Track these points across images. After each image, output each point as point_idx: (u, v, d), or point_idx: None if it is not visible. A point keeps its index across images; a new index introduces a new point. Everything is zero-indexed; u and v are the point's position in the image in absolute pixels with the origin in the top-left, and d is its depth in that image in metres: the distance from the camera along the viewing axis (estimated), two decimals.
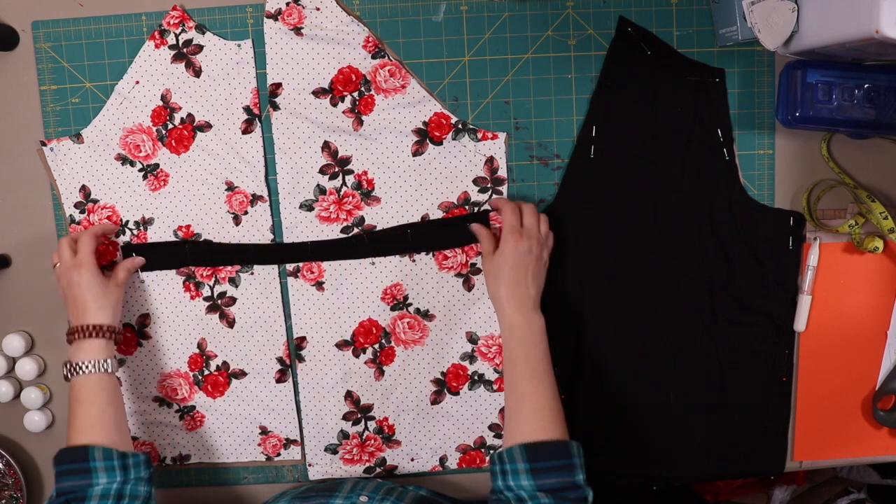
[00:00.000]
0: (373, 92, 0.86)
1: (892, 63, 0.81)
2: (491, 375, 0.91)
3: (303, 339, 0.90)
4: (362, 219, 0.88)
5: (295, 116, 0.87)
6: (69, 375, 0.80)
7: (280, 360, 0.91)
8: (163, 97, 0.87)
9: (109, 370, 0.80)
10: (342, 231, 0.88)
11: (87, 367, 0.79)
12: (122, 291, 0.86)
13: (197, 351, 0.91)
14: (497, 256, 0.81)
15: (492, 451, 0.76)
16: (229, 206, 0.88)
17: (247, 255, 0.88)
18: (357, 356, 0.90)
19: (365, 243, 0.88)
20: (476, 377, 0.91)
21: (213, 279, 0.89)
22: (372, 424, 0.92)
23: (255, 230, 0.88)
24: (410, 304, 0.90)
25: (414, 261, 0.88)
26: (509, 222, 0.81)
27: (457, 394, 0.91)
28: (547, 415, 0.76)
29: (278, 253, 0.88)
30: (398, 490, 0.83)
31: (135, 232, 0.89)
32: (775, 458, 0.92)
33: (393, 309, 0.90)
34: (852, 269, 0.90)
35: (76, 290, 0.82)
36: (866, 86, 0.82)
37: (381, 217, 0.88)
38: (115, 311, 0.83)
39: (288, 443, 0.93)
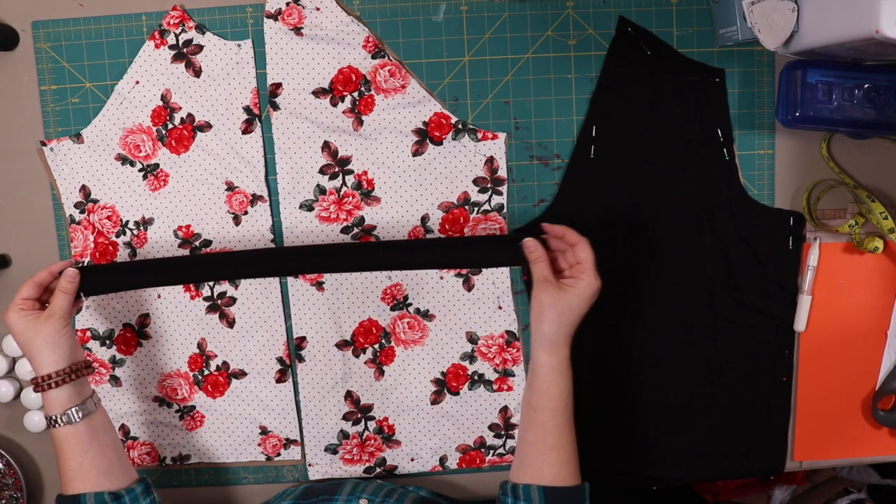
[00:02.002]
0: (373, 92, 0.86)
1: (892, 63, 0.81)
2: (491, 375, 0.91)
3: (303, 339, 0.90)
4: (362, 219, 0.88)
5: (295, 116, 0.87)
6: (46, 426, 0.76)
7: (280, 360, 0.91)
8: (163, 97, 0.87)
9: (74, 420, 0.74)
10: (342, 231, 0.88)
11: (52, 421, 0.75)
12: (63, 320, 0.76)
13: (197, 351, 0.91)
14: (570, 295, 0.74)
15: (504, 482, 0.76)
16: (229, 206, 0.88)
17: (228, 270, 0.83)
18: (357, 356, 0.90)
19: (380, 256, 0.82)
20: (476, 377, 0.91)
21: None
22: (372, 424, 0.92)
23: (255, 230, 0.88)
24: (410, 304, 0.90)
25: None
26: (593, 261, 0.75)
27: (457, 394, 0.91)
28: (570, 463, 0.75)
29: (261, 266, 0.83)
30: (398, 492, 0.83)
31: (135, 232, 0.89)
32: (775, 458, 0.92)
33: (393, 309, 0.90)
34: (852, 269, 0.90)
35: (14, 339, 0.77)
36: (866, 86, 0.82)
37: (381, 217, 0.88)
38: (59, 349, 0.75)
39: (288, 443, 0.93)
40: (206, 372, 0.91)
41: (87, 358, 0.80)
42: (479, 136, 0.87)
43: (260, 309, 0.90)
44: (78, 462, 0.75)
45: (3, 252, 0.91)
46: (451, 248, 0.82)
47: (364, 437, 0.92)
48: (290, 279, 0.89)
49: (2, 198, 0.90)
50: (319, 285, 0.89)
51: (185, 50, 0.86)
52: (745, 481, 1.33)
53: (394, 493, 0.82)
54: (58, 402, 0.75)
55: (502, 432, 0.92)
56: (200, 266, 0.83)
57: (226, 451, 0.93)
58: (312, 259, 0.82)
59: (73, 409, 0.75)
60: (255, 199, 0.88)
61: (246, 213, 0.88)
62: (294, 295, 0.89)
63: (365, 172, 0.88)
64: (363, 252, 0.82)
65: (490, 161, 0.88)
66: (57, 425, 0.75)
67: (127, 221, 0.89)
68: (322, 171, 0.88)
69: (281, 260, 0.83)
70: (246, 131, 0.87)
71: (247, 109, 0.87)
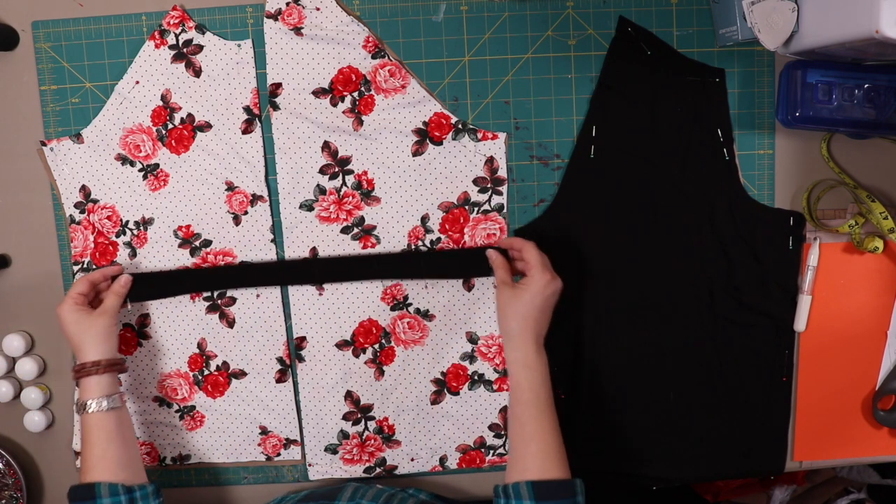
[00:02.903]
0: (373, 92, 0.86)
1: (892, 63, 0.81)
2: (491, 375, 0.91)
3: (303, 339, 0.90)
4: (362, 219, 0.88)
5: (295, 116, 0.87)
6: (78, 412, 0.82)
7: (280, 360, 0.91)
8: (163, 97, 0.87)
9: (107, 408, 0.79)
10: (342, 231, 0.88)
11: (88, 406, 0.80)
12: (113, 318, 0.83)
13: (197, 351, 0.91)
14: (523, 292, 0.78)
15: (496, 485, 0.77)
16: (229, 206, 0.88)
17: (251, 279, 0.88)
18: (357, 356, 0.90)
19: (375, 269, 0.88)
20: (476, 377, 0.91)
21: None
22: (372, 424, 0.92)
23: (255, 230, 0.88)
24: (410, 304, 0.90)
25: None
26: (539, 259, 0.79)
27: (457, 394, 0.91)
28: (553, 455, 0.76)
29: (283, 274, 0.88)
30: (399, 497, 0.83)
31: (135, 232, 0.89)
32: (775, 458, 0.92)
33: (393, 309, 0.90)
34: (852, 269, 0.90)
35: (64, 329, 0.82)
36: (866, 86, 0.82)
37: (381, 217, 0.88)
38: (107, 342, 0.82)
39: (288, 443, 0.93)
40: (206, 372, 0.91)
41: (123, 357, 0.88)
42: (479, 136, 0.87)
43: (260, 309, 0.90)
44: (103, 449, 0.79)
45: (3, 252, 0.91)
46: (433, 261, 0.88)
47: (364, 437, 0.92)
48: None
49: (2, 198, 0.90)
50: (319, 286, 0.89)
51: (185, 50, 0.86)
52: (745, 481, 1.33)
53: (394, 499, 0.82)
54: (96, 388, 0.80)
55: (502, 432, 0.92)
56: (225, 275, 0.88)
57: (226, 451, 0.93)
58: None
59: (107, 398, 0.80)
60: (255, 199, 0.88)
61: (246, 213, 0.88)
62: (294, 295, 0.89)
63: (365, 172, 0.88)
64: (360, 264, 0.88)
65: (490, 161, 0.88)
66: (88, 410, 0.79)
67: (127, 221, 0.89)
68: (322, 171, 0.88)
69: (308, 270, 0.88)
70: (246, 131, 0.87)
71: (247, 109, 0.87)
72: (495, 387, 0.91)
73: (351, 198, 0.88)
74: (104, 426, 0.79)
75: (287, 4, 0.85)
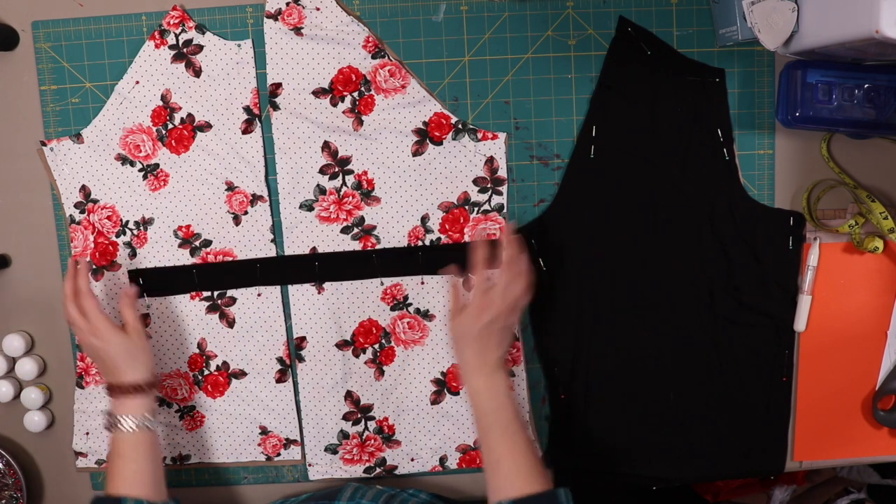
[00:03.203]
0: (373, 92, 0.86)
1: (892, 63, 0.81)
2: None
3: (303, 339, 0.90)
4: (362, 219, 0.88)
5: (295, 116, 0.87)
6: (110, 428, 0.80)
7: (280, 360, 0.91)
8: (163, 97, 0.87)
9: (149, 427, 0.80)
10: (342, 231, 0.88)
11: (126, 424, 0.79)
12: (143, 331, 0.84)
13: (197, 351, 0.91)
14: (460, 323, 0.79)
15: None
16: (229, 206, 0.88)
17: (254, 277, 0.89)
18: (357, 356, 0.90)
19: (375, 263, 0.88)
20: None
21: None
22: (372, 424, 0.92)
23: (255, 230, 0.88)
24: (410, 304, 0.90)
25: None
26: (478, 287, 0.79)
27: (457, 394, 0.91)
28: (525, 472, 0.75)
29: (285, 272, 0.89)
30: (399, 498, 0.83)
31: (135, 232, 0.89)
32: (775, 458, 0.92)
33: (393, 309, 0.90)
34: (852, 269, 0.90)
35: (102, 354, 0.81)
36: (866, 86, 0.82)
37: (381, 217, 0.88)
38: (148, 361, 0.83)
39: (288, 443, 0.93)
40: (206, 372, 0.91)
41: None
42: (479, 136, 0.87)
43: (260, 309, 0.90)
44: (139, 465, 0.78)
45: (3, 252, 0.91)
46: (432, 254, 0.88)
47: (364, 437, 0.92)
48: None
49: (2, 198, 0.90)
50: (319, 286, 0.89)
51: (185, 50, 0.86)
52: (745, 481, 1.33)
53: (394, 499, 0.82)
54: (134, 406, 0.80)
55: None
56: (228, 270, 0.89)
57: (226, 451, 0.93)
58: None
59: (149, 415, 0.80)
60: (255, 199, 0.88)
61: (246, 213, 0.88)
62: (294, 295, 0.89)
63: (365, 172, 0.88)
64: (360, 259, 0.87)
65: (490, 161, 0.88)
66: (127, 428, 0.79)
67: (127, 221, 0.89)
68: (322, 171, 0.88)
69: (300, 267, 0.88)
70: (246, 131, 0.87)
71: (247, 109, 0.87)
72: None
73: (351, 198, 0.88)
74: (145, 442, 0.79)
75: (287, 4, 0.85)
